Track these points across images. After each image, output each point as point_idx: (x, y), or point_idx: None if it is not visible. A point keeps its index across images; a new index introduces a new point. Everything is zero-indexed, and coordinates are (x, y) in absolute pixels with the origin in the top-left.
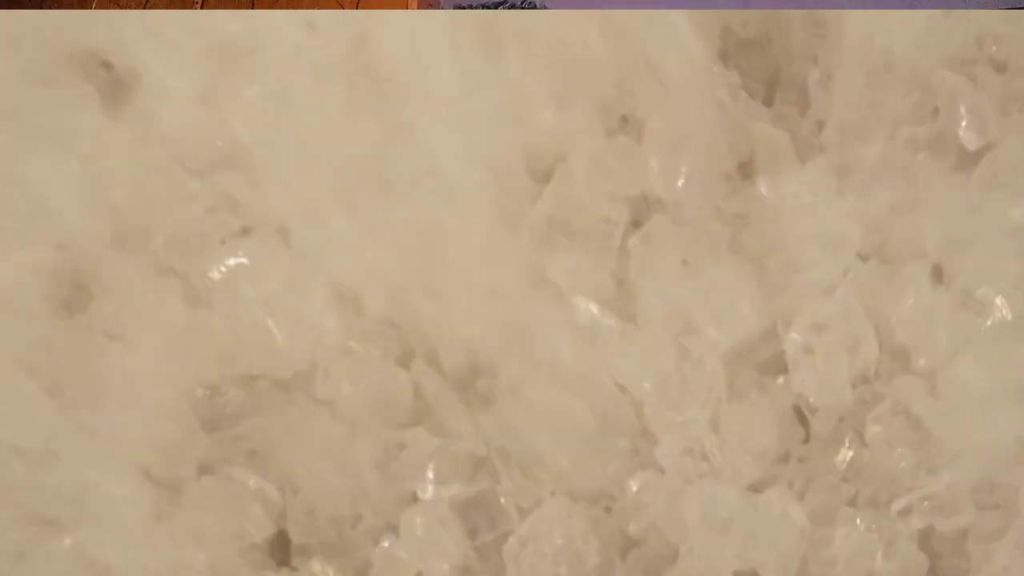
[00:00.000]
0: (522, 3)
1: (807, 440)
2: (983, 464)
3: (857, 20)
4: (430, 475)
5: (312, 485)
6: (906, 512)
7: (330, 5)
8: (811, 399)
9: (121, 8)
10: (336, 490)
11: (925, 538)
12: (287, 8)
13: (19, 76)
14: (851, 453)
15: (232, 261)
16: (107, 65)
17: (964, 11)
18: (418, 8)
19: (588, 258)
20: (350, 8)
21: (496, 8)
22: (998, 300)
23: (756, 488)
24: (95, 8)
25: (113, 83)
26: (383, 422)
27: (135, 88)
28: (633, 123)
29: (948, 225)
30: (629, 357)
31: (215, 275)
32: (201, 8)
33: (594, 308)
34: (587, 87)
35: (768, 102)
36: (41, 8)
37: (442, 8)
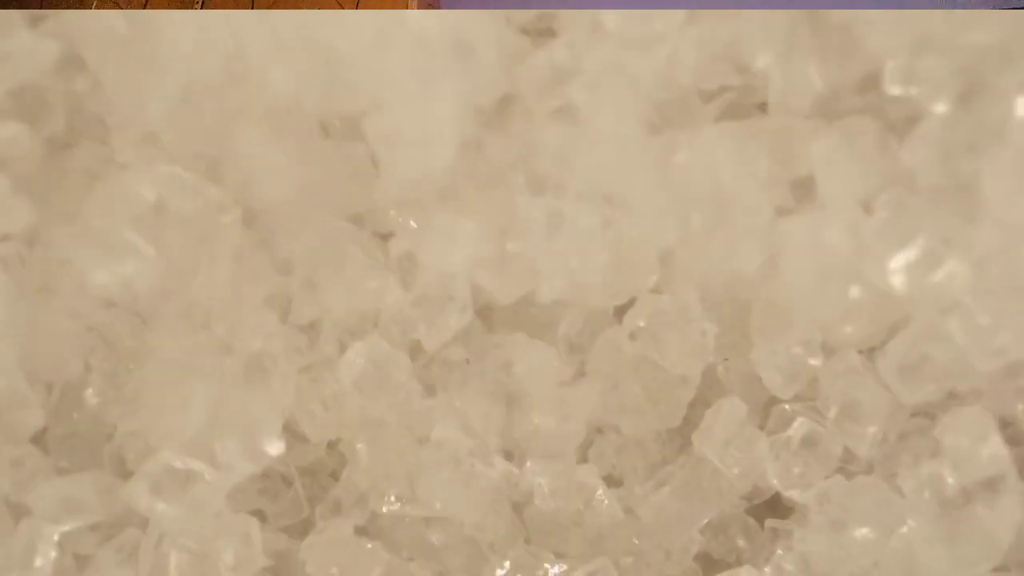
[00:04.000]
0: None
1: None
2: None
3: None
4: None
5: None
6: None
7: (330, 5)
8: None
9: (121, 8)
10: None
11: None
12: (287, 8)
13: None
14: None
15: None
16: None
17: None
18: (418, 8)
19: None
20: (350, 8)
21: None
22: None
23: None
24: (95, 8)
25: None
26: None
27: None
28: None
29: None
30: None
31: None
32: (201, 8)
33: None
34: None
35: None
36: (41, 8)
37: (441, 8)
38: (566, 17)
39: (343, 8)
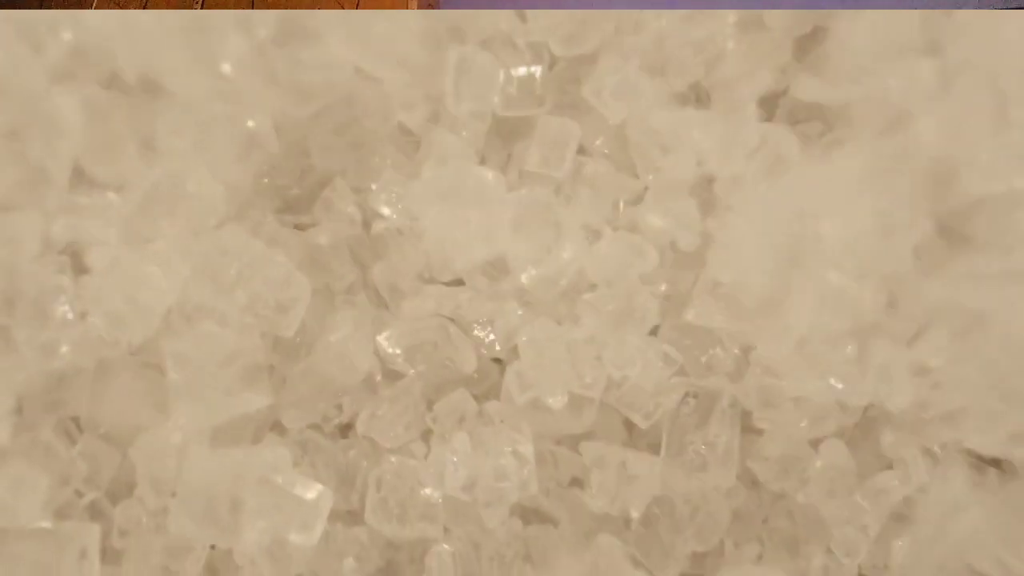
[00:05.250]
0: None
1: None
2: None
3: None
4: None
5: None
6: None
7: (330, 5)
8: None
9: (121, 8)
10: None
11: None
12: (287, 8)
13: None
14: None
15: None
16: None
17: None
18: (418, 8)
19: None
20: (350, 8)
21: None
22: None
23: None
24: (95, 8)
25: None
26: None
27: None
28: None
29: None
30: None
31: None
32: (201, 8)
33: None
34: None
35: None
36: (41, 8)
37: (441, 8)
38: None
39: (344, 8)
